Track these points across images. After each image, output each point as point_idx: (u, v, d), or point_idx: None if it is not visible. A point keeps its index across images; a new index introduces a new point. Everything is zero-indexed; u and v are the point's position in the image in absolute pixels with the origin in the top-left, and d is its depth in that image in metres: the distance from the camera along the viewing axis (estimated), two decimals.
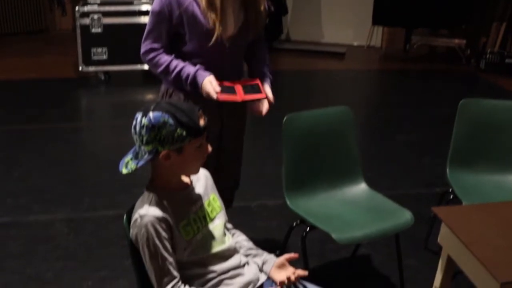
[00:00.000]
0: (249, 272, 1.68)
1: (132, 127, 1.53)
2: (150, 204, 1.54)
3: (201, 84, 2.01)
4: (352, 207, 2.29)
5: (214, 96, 1.98)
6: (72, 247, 2.73)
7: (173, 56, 2.07)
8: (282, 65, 6.20)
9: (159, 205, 1.54)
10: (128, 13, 5.14)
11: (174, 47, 2.09)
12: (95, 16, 5.07)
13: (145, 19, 5.03)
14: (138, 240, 1.53)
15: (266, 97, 2.10)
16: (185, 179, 1.64)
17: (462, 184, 2.47)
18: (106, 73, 5.33)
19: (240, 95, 2.03)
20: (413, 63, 6.49)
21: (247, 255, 1.73)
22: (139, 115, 1.52)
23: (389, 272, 2.56)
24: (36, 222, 2.93)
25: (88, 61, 5.18)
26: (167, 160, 1.53)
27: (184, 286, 1.55)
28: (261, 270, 1.71)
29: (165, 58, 2.06)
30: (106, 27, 5.12)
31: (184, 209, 1.59)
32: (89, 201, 3.16)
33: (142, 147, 1.52)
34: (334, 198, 2.33)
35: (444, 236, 1.82)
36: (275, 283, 1.66)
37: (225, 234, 1.70)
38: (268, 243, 2.36)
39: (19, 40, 6.66)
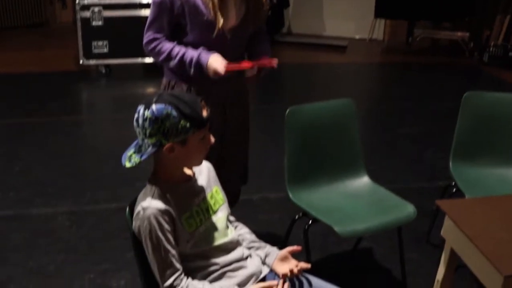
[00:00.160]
0: (252, 265, 1.67)
1: (134, 120, 1.52)
2: (152, 196, 1.53)
3: (207, 62, 1.99)
4: (354, 200, 2.29)
5: (222, 70, 1.97)
6: (74, 240, 2.73)
7: (175, 42, 2.07)
8: (284, 58, 6.17)
9: (162, 197, 1.53)
10: (129, 6, 5.12)
11: (176, 38, 2.08)
12: (96, 9, 5.04)
13: (146, 12, 5.01)
14: (141, 233, 1.52)
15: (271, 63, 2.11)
16: (187, 171, 1.64)
17: (465, 177, 2.46)
18: (106, 66, 5.32)
19: (247, 63, 2.07)
20: (415, 56, 6.46)
21: (249, 248, 1.73)
22: (141, 108, 1.50)
23: (391, 266, 2.56)
24: (38, 216, 2.93)
25: (88, 54, 5.17)
26: (171, 153, 1.51)
27: (187, 278, 1.55)
28: (263, 262, 1.71)
29: (167, 46, 2.06)
30: (107, 20, 5.09)
31: (186, 201, 1.59)
32: (90, 194, 3.16)
33: (146, 140, 1.51)
34: (336, 191, 2.33)
35: (448, 229, 1.81)
36: (278, 276, 1.66)
37: (227, 227, 1.69)
38: (270, 236, 2.35)
39: (19, 33, 6.64)
